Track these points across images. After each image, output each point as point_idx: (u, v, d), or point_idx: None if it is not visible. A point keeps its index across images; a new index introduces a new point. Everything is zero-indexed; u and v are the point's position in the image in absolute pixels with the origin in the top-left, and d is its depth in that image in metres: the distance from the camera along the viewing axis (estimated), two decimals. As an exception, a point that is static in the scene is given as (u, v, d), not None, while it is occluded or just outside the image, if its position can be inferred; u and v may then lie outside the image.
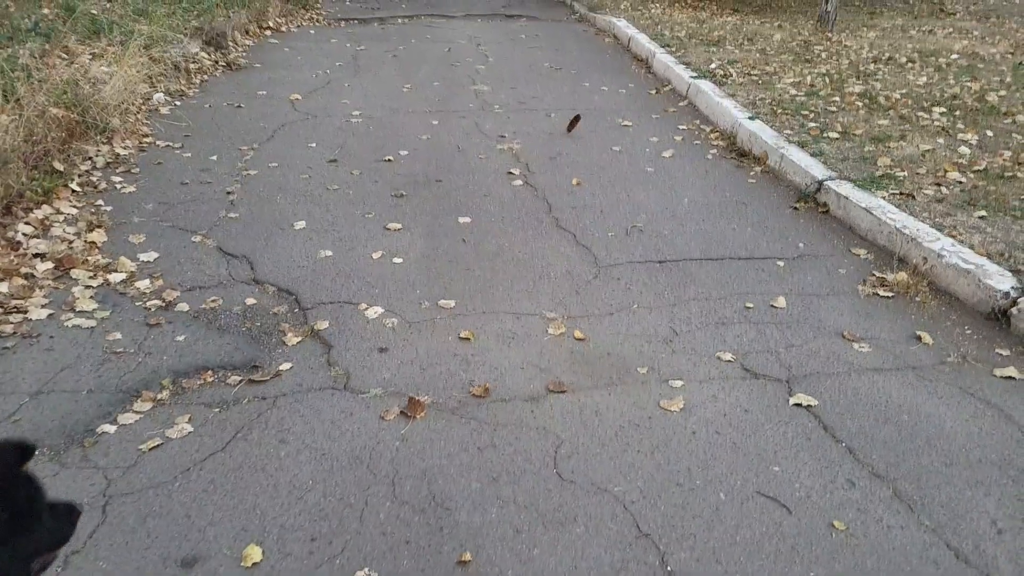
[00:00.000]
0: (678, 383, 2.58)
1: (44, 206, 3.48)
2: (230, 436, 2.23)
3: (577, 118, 5.20)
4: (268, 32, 8.11)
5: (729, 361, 2.71)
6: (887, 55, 7.16)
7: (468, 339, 2.80)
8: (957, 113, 5.23)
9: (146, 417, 2.30)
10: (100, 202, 3.72)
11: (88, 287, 2.96)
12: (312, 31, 8.50)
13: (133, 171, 4.16)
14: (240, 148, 4.61)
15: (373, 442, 2.24)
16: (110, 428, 2.25)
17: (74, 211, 3.56)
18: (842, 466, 2.21)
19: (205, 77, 6.11)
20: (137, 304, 2.89)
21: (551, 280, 3.25)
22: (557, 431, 2.33)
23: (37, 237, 3.24)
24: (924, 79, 6.21)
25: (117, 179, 4.01)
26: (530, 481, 2.12)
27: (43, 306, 2.83)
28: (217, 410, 2.35)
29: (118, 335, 2.69)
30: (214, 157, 4.44)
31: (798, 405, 2.47)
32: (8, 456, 1.16)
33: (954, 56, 7.15)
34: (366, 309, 2.96)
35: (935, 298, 3.12)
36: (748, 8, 10.35)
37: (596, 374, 2.63)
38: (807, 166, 4.20)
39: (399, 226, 3.67)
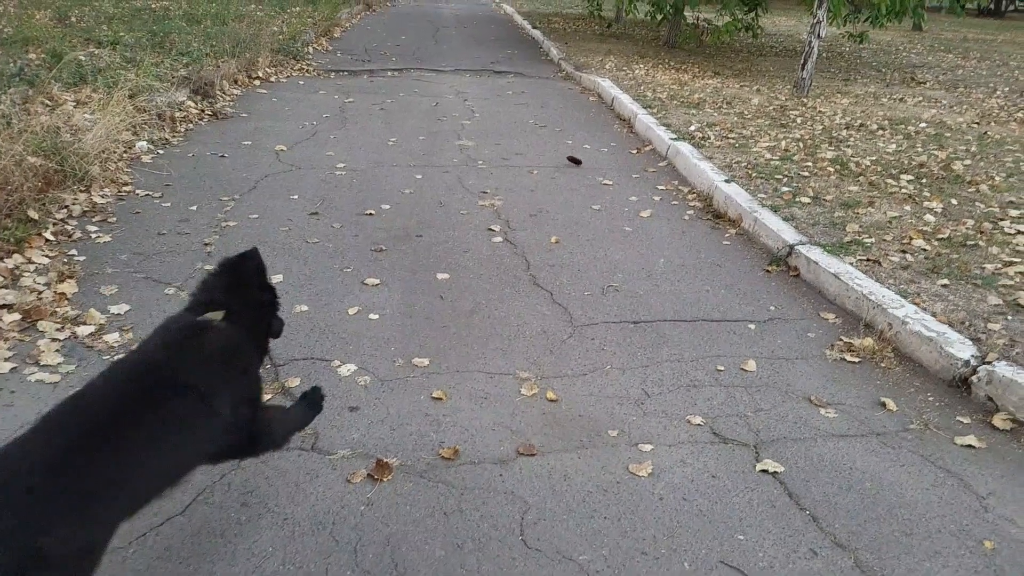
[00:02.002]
0: (648, 447, 2.58)
1: (15, 255, 3.46)
2: (191, 498, 2.19)
3: (576, 160, 5.94)
4: (257, 82, 8.24)
5: (699, 425, 2.72)
6: (859, 122, 7.40)
7: (440, 399, 2.79)
8: (924, 181, 5.39)
9: (107, 476, 2.26)
10: (73, 252, 3.71)
11: (55, 340, 2.93)
12: (301, 82, 8.64)
13: (110, 220, 4.16)
14: (221, 199, 4.63)
15: (337, 506, 2.21)
16: (68, 488, 2.20)
17: (46, 261, 3.54)
18: (805, 535, 2.21)
19: (190, 126, 6.17)
20: (104, 358, 2.86)
21: (526, 339, 3.27)
22: (525, 496, 2.32)
23: (5, 287, 3.20)
24: (893, 146, 6.41)
25: (93, 228, 4.01)
26: (495, 548, 2.10)
27: (6, 359, 2.79)
28: (180, 469, 2.31)
29: (83, 390, 2.66)
30: (194, 207, 4.46)
31: (764, 471, 2.48)
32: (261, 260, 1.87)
33: (923, 124, 7.40)
34: (339, 366, 2.95)
35: (900, 364, 3.18)
36: (728, 72, 10.68)
37: (567, 436, 2.63)
38: (779, 230, 4.29)
39: (377, 281, 3.69)
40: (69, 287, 3.33)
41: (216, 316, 1.75)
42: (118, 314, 3.19)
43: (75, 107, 5.00)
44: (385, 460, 2.41)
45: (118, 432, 1.46)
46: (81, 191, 4.32)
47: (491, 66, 10.75)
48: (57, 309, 3.14)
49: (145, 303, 3.30)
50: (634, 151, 6.49)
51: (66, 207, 4.13)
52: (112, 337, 3.00)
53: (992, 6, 29.69)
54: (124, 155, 5.06)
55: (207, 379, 1.66)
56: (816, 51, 8.67)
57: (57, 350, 2.87)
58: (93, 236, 3.93)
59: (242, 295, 1.82)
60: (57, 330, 3.00)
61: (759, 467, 2.50)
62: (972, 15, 28.88)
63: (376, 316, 3.36)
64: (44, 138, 4.19)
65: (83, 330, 3.02)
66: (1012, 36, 19.87)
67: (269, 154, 5.65)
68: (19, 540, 1.22)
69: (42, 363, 2.78)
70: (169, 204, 4.49)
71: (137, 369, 1.64)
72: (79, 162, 4.29)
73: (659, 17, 12.50)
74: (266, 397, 2.72)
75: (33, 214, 3.78)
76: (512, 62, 11.26)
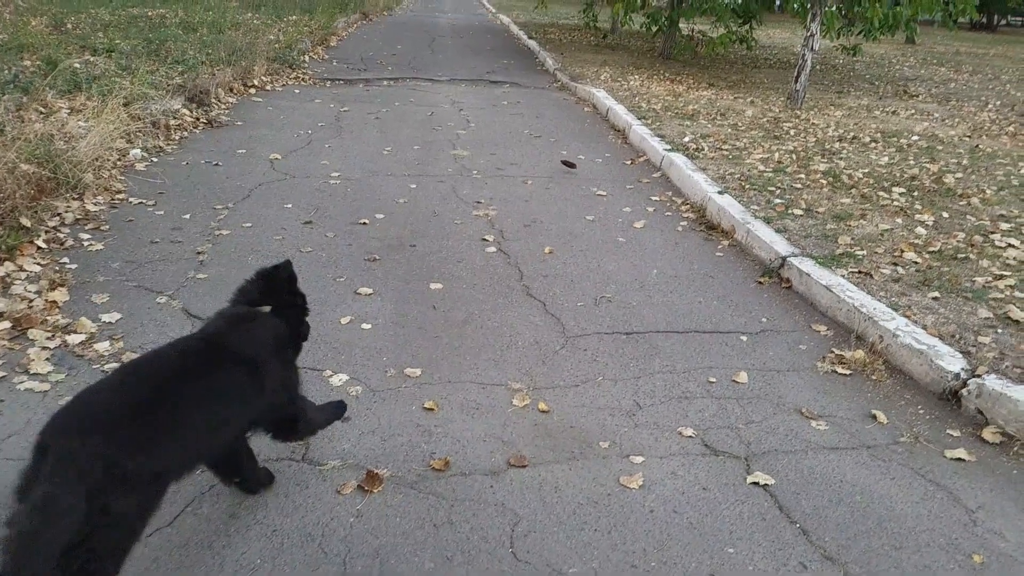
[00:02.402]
0: (639, 459, 2.58)
1: (7, 263, 3.44)
2: (179, 510, 2.18)
3: (571, 164, 6.11)
4: (253, 90, 8.24)
5: (690, 437, 2.72)
6: (852, 134, 7.44)
7: (432, 409, 2.79)
8: (915, 194, 5.42)
9: (94, 487, 2.25)
10: (65, 260, 3.70)
11: (45, 348, 2.91)
12: (297, 90, 8.65)
13: (102, 228, 4.15)
14: (215, 207, 4.63)
15: (327, 518, 2.21)
16: (56, 498, 2.19)
17: (37, 268, 3.53)
18: (795, 548, 2.21)
19: (185, 134, 6.17)
20: (94, 367, 2.85)
21: (518, 349, 3.27)
22: (515, 508, 2.31)
23: (-3, 295, 3.20)
24: (886, 159, 6.45)
25: (85, 236, 4.00)
26: (485, 561, 2.09)
27: (-4, 367, 2.78)
28: (169, 480, 2.30)
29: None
30: (187, 215, 4.45)
31: (755, 484, 2.48)
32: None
33: (915, 137, 7.45)
34: (331, 376, 2.95)
35: (890, 376, 3.19)
36: (723, 83, 10.74)
37: (558, 448, 2.62)
38: (772, 242, 4.31)
39: (370, 291, 3.69)
40: (60, 295, 3.32)
41: (265, 310, 2.08)
42: (109, 323, 3.18)
43: (69, 115, 5.00)
44: (375, 471, 2.40)
45: (184, 387, 1.76)
46: (74, 199, 4.31)
47: (487, 76, 10.78)
48: (48, 317, 3.13)
49: (136, 312, 3.29)
50: (628, 162, 6.51)
51: (59, 215, 4.12)
52: (103, 346, 2.99)
53: (984, 20, 29.96)
54: (118, 163, 5.05)
55: (259, 354, 1.96)
56: (809, 64, 8.73)
57: (47, 359, 2.86)
58: (85, 244, 3.92)
59: (276, 299, 2.11)
60: (47, 339, 2.98)
61: (750, 479, 2.50)
62: (965, 29, 29.13)
63: (368, 326, 3.36)
64: (37, 145, 4.18)
65: (74, 339, 3.01)
66: (1004, 50, 20.04)
67: (263, 162, 5.65)
68: (107, 459, 1.52)
69: (32, 371, 2.77)
70: (162, 212, 4.48)
71: (202, 341, 1.94)
72: (72, 170, 4.28)
73: (654, 29, 12.58)
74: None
75: (25, 221, 3.77)
76: (508, 72, 11.30)
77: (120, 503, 1.53)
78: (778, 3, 13.40)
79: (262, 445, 2.28)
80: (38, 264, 3.57)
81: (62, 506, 1.42)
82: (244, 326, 2.00)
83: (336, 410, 2.44)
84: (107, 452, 1.52)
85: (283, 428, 2.13)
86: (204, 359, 1.86)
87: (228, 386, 1.86)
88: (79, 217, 4.20)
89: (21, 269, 3.46)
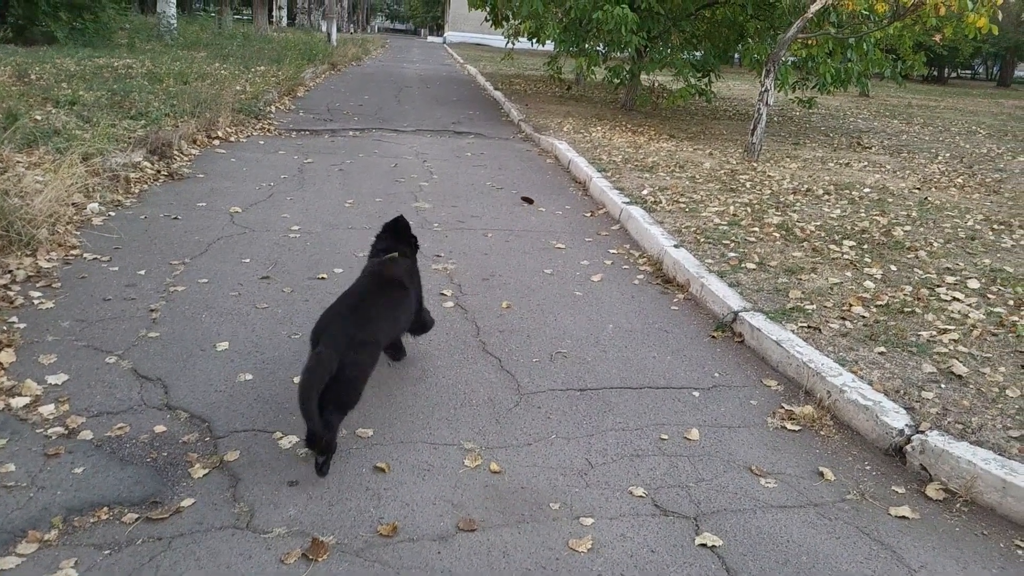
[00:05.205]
0: (589, 520, 2.58)
1: (-48, 324, 3.38)
2: (115, 584, 2.12)
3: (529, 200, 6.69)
4: (216, 141, 8.26)
5: (641, 497, 2.73)
6: (806, 187, 7.67)
7: (383, 470, 2.77)
8: (865, 247, 5.59)
9: (29, 561, 2.19)
10: (14, 319, 3.63)
11: (-14, 413, 2.85)
12: (262, 142, 8.69)
13: (54, 285, 4.09)
14: (171, 262, 4.60)
15: (268, 589, 2.16)
16: (-14, 575, 2.12)
17: (-16, 329, 3.47)
18: (742, 614, 2.21)
19: (145, 187, 6.14)
20: (38, 431, 2.79)
21: (472, 407, 3.27)
22: (462, 575, 2.29)
23: (-61, 358, 3.13)
24: (838, 212, 6.65)
25: (36, 294, 3.94)
26: (428, 632, 2.06)
27: (-67, 434, 2.70)
28: (107, 552, 2.25)
29: (11, 467, 2.58)
30: (142, 271, 4.41)
31: (703, 545, 2.49)
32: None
33: (866, 190, 7.70)
34: (280, 438, 2.91)
35: (838, 432, 3.24)
36: (683, 135, 11.04)
37: (508, 510, 2.61)
38: (725, 296, 4.40)
39: (325, 348, 3.67)
40: (6, 356, 3.25)
41: (394, 256, 3.31)
42: (55, 384, 3.12)
43: (26, 169, 4.95)
44: (320, 539, 2.37)
45: (375, 297, 3.08)
46: (27, 255, 4.25)
47: (452, 127, 10.95)
48: (-9, 380, 3.07)
49: (84, 373, 3.23)
50: (588, 214, 6.63)
51: (10, 272, 4.06)
52: (47, 409, 2.92)
53: (936, 73, 31.33)
54: (74, 218, 5.00)
55: (404, 279, 3.27)
56: (764, 118, 9.03)
57: (-13, 424, 2.79)
58: (36, 302, 3.85)
59: (402, 239, 3.40)
60: (-11, 402, 2.92)
61: (698, 540, 2.51)
62: (917, 82, 30.43)
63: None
64: (-10, 202, 4.14)
65: (17, 402, 2.94)
66: (954, 102, 20.94)
67: (223, 216, 5.65)
68: (345, 334, 2.73)
69: (-30, 438, 2.70)
70: (117, 268, 4.44)
71: (375, 275, 3.21)
72: (26, 226, 4.23)
73: (616, 81, 12.94)
74: (203, 472, 2.67)
75: (-27, 281, 3.71)
76: (472, 123, 11.49)
77: (354, 356, 2.72)
78: (736, 57, 13.90)
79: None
80: (-16, 324, 3.50)
81: (325, 358, 2.60)
82: (392, 264, 3.26)
83: (429, 317, 3.65)
84: (347, 328, 2.75)
85: (417, 325, 3.51)
86: (381, 284, 3.15)
87: (400, 299, 3.20)
88: (31, 274, 4.14)
89: (-35, 330, 3.39)
